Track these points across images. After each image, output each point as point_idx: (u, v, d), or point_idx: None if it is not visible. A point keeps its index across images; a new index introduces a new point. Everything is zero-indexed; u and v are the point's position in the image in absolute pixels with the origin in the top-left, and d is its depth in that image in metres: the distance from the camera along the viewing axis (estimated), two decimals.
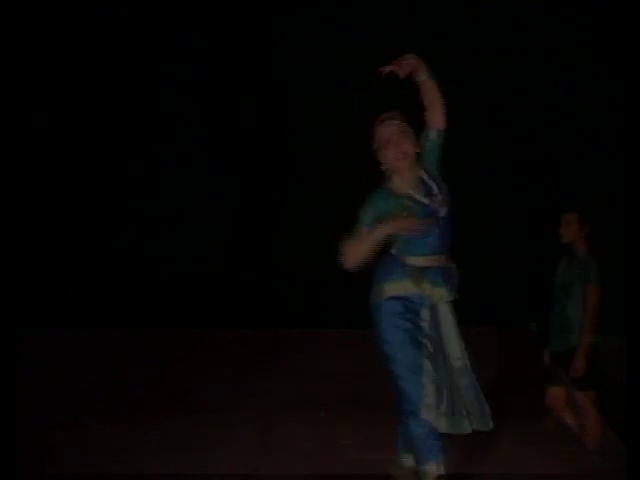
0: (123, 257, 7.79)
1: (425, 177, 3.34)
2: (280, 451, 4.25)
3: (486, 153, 7.65)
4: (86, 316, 7.22)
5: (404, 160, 3.30)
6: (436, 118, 3.32)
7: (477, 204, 7.43)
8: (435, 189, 3.31)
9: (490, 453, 4.27)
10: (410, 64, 3.23)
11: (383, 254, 3.35)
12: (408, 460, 3.35)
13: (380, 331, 3.26)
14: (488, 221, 7.35)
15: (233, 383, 5.69)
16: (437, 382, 3.20)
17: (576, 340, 4.25)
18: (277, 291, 7.45)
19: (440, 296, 3.27)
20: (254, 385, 5.63)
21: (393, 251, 3.33)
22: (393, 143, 3.30)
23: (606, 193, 6.65)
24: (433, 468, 3.14)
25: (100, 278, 7.73)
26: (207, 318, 7.36)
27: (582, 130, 7.22)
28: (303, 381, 5.77)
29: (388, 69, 3.26)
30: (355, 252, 3.20)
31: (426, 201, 3.27)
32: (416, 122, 3.37)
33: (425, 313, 3.26)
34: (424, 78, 3.26)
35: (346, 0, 7.41)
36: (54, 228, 7.55)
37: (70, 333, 6.80)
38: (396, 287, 3.28)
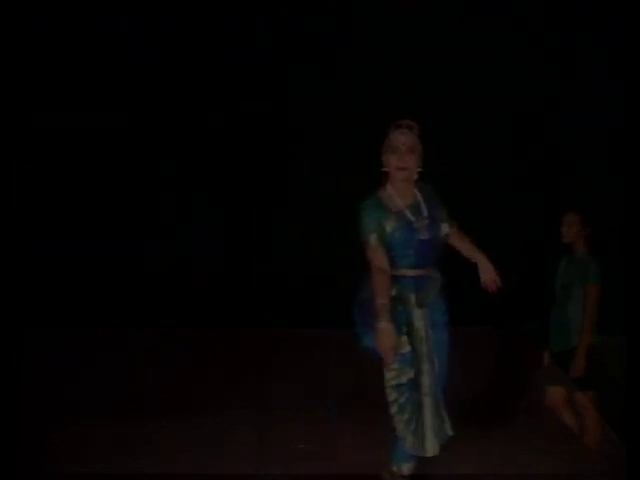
0: (123, 257, 7.79)
1: (419, 197, 3.43)
2: (280, 451, 4.25)
3: (487, 153, 7.64)
4: (86, 316, 7.21)
5: (403, 172, 3.38)
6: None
7: (477, 204, 7.42)
8: (425, 212, 3.39)
9: (490, 453, 4.27)
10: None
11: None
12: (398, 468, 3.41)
13: None
14: (488, 221, 7.33)
15: (233, 383, 5.68)
16: (411, 402, 3.29)
17: (576, 340, 4.25)
18: (277, 291, 7.44)
19: (412, 303, 3.36)
20: (254, 385, 5.63)
21: None
22: (400, 153, 3.37)
23: (606, 193, 6.64)
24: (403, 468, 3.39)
25: (100, 278, 7.72)
26: (207, 318, 7.35)
27: (583, 130, 7.21)
28: (303, 381, 5.76)
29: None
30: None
31: (413, 219, 3.36)
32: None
33: (406, 321, 3.36)
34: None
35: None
36: (54, 228, 7.54)
37: (70, 333, 6.80)
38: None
